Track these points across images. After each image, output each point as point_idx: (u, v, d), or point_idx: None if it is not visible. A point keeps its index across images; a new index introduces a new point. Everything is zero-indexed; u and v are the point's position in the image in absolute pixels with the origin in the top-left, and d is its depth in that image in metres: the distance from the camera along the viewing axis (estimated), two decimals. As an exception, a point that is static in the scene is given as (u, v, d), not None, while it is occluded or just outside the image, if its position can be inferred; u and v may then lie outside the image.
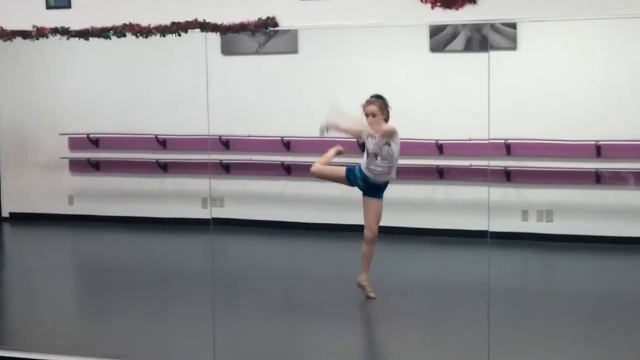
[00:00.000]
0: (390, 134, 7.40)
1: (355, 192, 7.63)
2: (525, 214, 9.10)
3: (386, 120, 7.46)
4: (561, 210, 9.07)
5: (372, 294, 7.46)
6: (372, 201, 7.58)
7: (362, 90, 9.37)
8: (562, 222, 9.04)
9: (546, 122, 8.94)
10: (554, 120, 8.93)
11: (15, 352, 6.04)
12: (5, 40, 6.46)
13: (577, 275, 8.51)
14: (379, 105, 7.42)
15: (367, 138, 7.53)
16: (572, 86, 8.88)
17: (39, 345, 4.94)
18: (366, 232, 7.53)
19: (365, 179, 7.57)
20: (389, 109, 7.45)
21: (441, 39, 9.13)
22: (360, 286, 7.49)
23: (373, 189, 7.57)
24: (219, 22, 5.97)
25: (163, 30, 6.07)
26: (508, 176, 9.04)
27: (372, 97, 7.47)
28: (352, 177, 7.62)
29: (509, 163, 9.02)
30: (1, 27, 6.44)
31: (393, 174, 7.59)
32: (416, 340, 6.74)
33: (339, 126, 7.65)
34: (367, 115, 7.46)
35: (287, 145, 9.22)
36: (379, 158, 7.46)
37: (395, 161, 7.52)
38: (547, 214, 9.08)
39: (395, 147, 7.46)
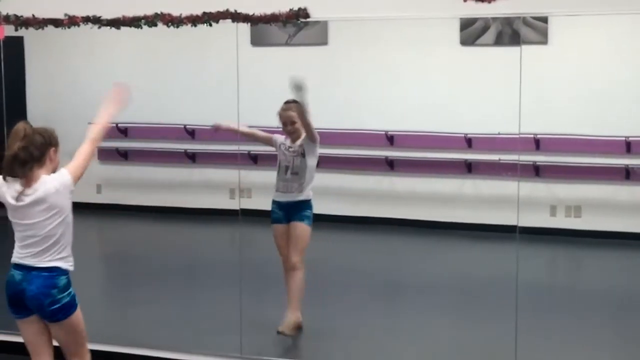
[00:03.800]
0: (315, 139, 6.47)
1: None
2: (553, 210, 9.05)
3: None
4: (590, 206, 9.01)
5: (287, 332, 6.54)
6: (294, 225, 6.56)
7: (391, 83, 9.39)
8: (591, 218, 8.97)
9: (576, 117, 8.88)
10: (584, 115, 8.87)
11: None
12: (37, 29, 6.49)
13: (605, 272, 8.47)
14: (297, 111, 6.45)
15: (279, 147, 6.63)
16: (602, 81, 8.80)
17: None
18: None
19: (278, 204, 6.62)
20: (308, 115, 6.42)
21: (472, 33, 9.08)
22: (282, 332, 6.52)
23: (288, 211, 6.60)
24: (250, 13, 5.97)
25: (194, 20, 6.08)
26: (537, 171, 8.99)
27: (287, 102, 6.55)
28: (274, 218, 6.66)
29: (538, 158, 8.97)
30: (33, 15, 6.46)
31: (305, 193, 6.55)
32: (444, 335, 6.74)
33: (234, 128, 6.69)
34: (284, 124, 6.57)
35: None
36: (289, 172, 6.55)
37: (307, 177, 6.53)
38: (575, 209, 9.03)
39: (310, 161, 6.52)
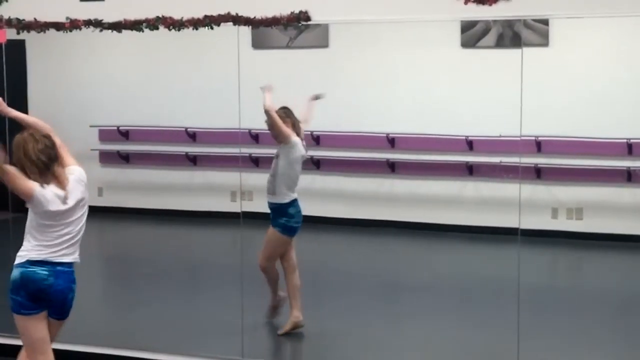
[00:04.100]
0: (282, 139, 6.51)
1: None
2: (555, 212, 9.05)
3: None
4: (591, 208, 9.01)
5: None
6: (269, 229, 6.66)
7: (392, 86, 9.40)
8: (592, 220, 8.97)
9: (577, 119, 8.88)
10: (585, 117, 8.87)
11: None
12: (38, 32, 6.50)
13: (607, 274, 8.47)
14: (284, 112, 6.60)
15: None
16: (604, 83, 8.81)
17: (67, 336, 4.97)
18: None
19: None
20: (296, 120, 6.64)
21: (473, 35, 9.09)
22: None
23: (271, 213, 6.65)
24: (252, 16, 5.98)
25: (195, 24, 6.09)
26: (538, 173, 8.99)
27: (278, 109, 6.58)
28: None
29: (539, 160, 8.97)
30: (35, 19, 6.47)
31: (278, 195, 6.54)
32: (445, 337, 6.73)
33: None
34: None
35: (316, 139, 9.20)
36: (270, 174, 6.60)
37: (279, 178, 6.52)
38: (577, 211, 9.02)
39: (282, 161, 6.54)
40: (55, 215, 4.73)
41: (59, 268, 4.76)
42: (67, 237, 4.80)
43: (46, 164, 4.69)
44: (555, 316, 7.10)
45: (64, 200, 4.71)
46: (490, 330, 6.72)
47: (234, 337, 6.35)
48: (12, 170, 4.63)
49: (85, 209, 4.87)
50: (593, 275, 8.61)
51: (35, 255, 4.76)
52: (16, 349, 5.17)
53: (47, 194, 4.68)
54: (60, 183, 4.71)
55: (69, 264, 4.82)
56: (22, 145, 4.71)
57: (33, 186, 4.66)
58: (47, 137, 4.78)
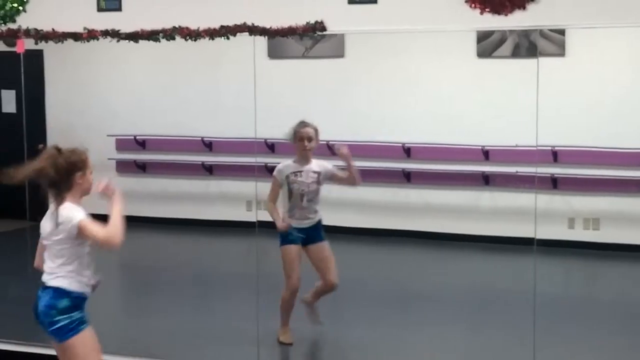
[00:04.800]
0: (356, 183, 6.49)
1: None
2: (571, 222, 9.02)
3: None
4: (608, 218, 8.97)
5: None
6: (319, 247, 6.55)
7: (407, 95, 9.40)
8: (609, 231, 8.94)
9: (594, 129, 8.86)
10: (601, 127, 8.84)
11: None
12: (56, 42, 6.54)
13: (623, 285, 8.43)
14: (315, 129, 6.46)
15: (289, 177, 6.46)
16: (620, 93, 8.78)
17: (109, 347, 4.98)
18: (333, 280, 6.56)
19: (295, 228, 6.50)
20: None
21: (488, 45, 9.08)
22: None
23: (307, 233, 6.54)
24: (268, 26, 6.00)
25: (212, 34, 6.12)
26: (554, 183, 8.97)
27: (302, 122, 6.49)
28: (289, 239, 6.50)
29: (555, 170, 8.95)
30: (53, 29, 6.52)
31: (319, 213, 6.55)
32: (461, 347, 6.72)
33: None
34: (301, 139, 6.41)
35: (332, 149, 9.22)
36: (305, 199, 6.45)
37: (317, 201, 6.51)
38: (593, 222, 8.99)
39: (321, 188, 6.53)
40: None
41: (45, 290, 4.69)
42: (48, 256, 4.72)
43: (49, 184, 4.64)
44: (571, 327, 7.07)
45: (51, 216, 4.65)
46: (506, 341, 6.70)
47: (249, 346, 6.36)
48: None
49: (65, 243, 4.65)
50: (610, 285, 8.57)
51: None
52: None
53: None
54: (57, 203, 4.63)
55: (53, 288, 4.66)
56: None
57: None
58: (67, 158, 4.71)
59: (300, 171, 6.44)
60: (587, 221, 9.01)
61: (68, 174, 4.65)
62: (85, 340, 4.68)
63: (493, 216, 9.24)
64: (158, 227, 10.37)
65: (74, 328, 4.64)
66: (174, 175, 10.47)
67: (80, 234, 4.60)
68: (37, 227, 4.80)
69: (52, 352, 4.97)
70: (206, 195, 10.30)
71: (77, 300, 4.67)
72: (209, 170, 10.25)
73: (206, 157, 10.22)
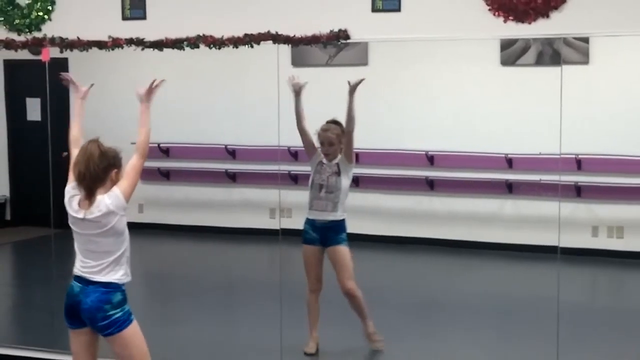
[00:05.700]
0: (351, 159, 6.45)
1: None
2: (595, 230, 8.98)
3: (340, 152, 6.46)
4: (632, 226, 8.93)
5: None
6: (333, 250, 6.46)
7: (431, 103, 9.40)
8: (633, 239, 8.89)
9: (618, 137, 8.83)
10: (625, 135, 8.81)
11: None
12: (81, 50, 6.58)
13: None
14: (337, 134, 6.43)
15: (318, 163, 6.50)
16: (645, 101, 8.76)
17: (102, 351, 5.00)
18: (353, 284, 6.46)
19: (312, 223, 6.49)
20: (351, 135, 6.44)
21: (512, 53, 9.07)
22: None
23: (324, 234, 6.46)
24: (291, 34, 6.01)
25: (236, 42, 6.13)
26: (578, 191, 8.94)
27: (328, 122, 6.53)
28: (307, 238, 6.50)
29: (579, 178, 8.91)
30: (78, 37, 6.56)
31: (339, 213, 6.44)
32: (484, 355, 6.70)
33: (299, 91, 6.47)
34: (322, 144, 6.45)
35: (356, 157, 9.21)
36: (323, 190, 6.45)
37: (341, 197, 6.42)
38: (617, 230, 8.95)
39: (345, 181, 6.43)
40: (71, 219, 4.76)
41: (90, 287, 4.73)
42: (91, 254, 4.77)
43: (86, 180, 4.70)
44: (595, 335, 7.04)
45: (78, 209, 4.70)
46: (530, 350, 6.67)
47: (273, 355, 6.36)
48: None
49: (111, 236, 4.74)
50: (634, 294, 8.53)
51: (75, 269, 4.81)
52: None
53: (73, 192, 4.76)
54: (88, 198, 4.69)
55: (104, 284, 4.74)
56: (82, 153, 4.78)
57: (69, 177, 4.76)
58: (107, 155, 4.83)
59: (324, 164, 6.47)
60: (611, 229, 8.97)
61: (106, 169, 4.76)
62: (137, 329, 4.88)
63: (516, 224, 9.22)
64: (181, 234, 10.41)
65: (127, 319, 4.80)
66: (197, 183, 10.51)
67: (128, 189, 4.77)
68: (62, 235, 4.83)
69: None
70: (229, 202, 10.32)
71: (125, 293, 4.82)
72: (232, 177, 10.28)
73: (229, 165, 10.25)
